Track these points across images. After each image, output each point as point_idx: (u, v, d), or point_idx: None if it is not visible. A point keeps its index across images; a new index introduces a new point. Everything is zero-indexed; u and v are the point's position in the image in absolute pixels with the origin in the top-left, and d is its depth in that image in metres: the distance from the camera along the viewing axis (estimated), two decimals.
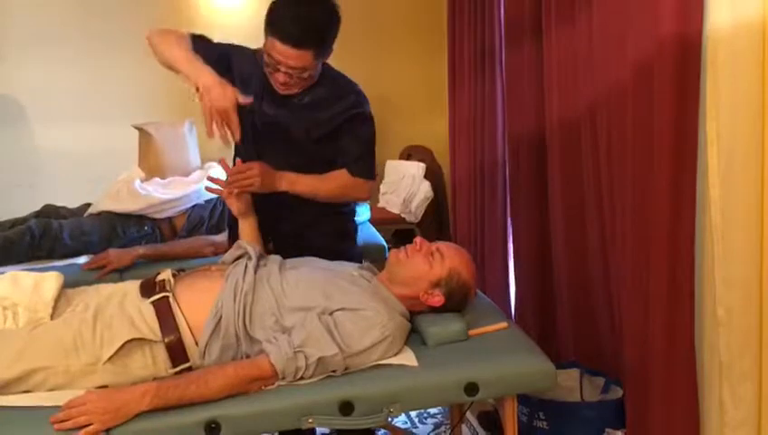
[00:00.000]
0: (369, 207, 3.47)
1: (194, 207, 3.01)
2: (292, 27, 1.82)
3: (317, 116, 2.03)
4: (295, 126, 2.05)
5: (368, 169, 2.11)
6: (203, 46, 1.99)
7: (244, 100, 1.82)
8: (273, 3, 1.88)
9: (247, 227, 2.05)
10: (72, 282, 1.85)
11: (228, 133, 1.84)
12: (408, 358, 1.69)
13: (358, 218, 2.36)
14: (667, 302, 1.82)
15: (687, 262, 1.78)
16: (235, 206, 2.03)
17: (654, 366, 1.89)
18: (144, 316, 1.67)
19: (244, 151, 2.12)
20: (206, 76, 1.81)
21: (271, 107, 2.06)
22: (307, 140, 2.05)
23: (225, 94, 1.79)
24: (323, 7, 1.88)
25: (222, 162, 2.06)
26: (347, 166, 2.07)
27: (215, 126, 1.81)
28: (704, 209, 1.74)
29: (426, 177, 4.07)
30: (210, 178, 2.06)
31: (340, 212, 2.22)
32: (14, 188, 3.83)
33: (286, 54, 1.85)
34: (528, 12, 2.58)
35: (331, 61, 2.14)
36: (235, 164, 2.05)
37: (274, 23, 1.84)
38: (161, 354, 1.65)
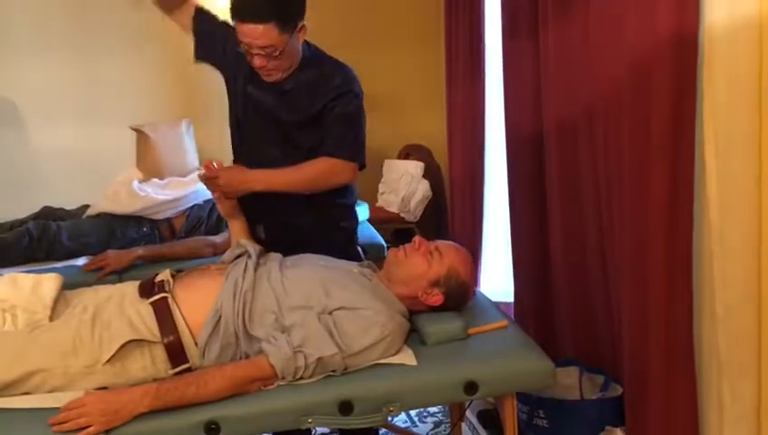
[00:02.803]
0: (367, 206, 3.47)
1: (192, 207, 3.01)
2: (249, 3, 1.86)
3: (302, 100, 2.03)
4: (281, 110, 2.05)
5: (348, 149, 2.03)
6: (206, 19, 2.14)
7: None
8: None
9: (236, 227, 2.08)
10: (70, 283, 1.85)
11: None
12: (407, 357, 1.70)
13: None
14: (666, 299, 1.82)
15: (685, 259, 1.78)
16: (220, 207, 2.08)
17: (653, 363, 1.89)
18: (143, 317, 1.67)
19: (235, 138, 2.19)
20: None
21: (258, 91, 2.07)
22: (292, 124, 2.05)
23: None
24: None
25: (204, 164, 2.03)
26: (326, 147, 2.02)
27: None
28: (701, 207, 1.74)
29: (424, 176, 4.06)
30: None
31: (332, 205, 2.18)
32: (11, 190, 3.82)
33: (251, 33, 1.87)
34: (525, 9, 2.57)
35: None
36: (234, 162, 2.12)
37: (235, 5, 1.89)
38: (160, 355, 1.65)
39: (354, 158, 2.05)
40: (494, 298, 2.25)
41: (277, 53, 1.91)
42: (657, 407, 1.89)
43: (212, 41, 2.13)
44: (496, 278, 3.37)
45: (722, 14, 1.60)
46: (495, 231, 3.37)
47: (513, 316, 2.96)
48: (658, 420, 1.90)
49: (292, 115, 2.04)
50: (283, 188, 2.01)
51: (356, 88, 2.06)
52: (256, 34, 1.87)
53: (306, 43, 2.04)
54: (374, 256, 2.49)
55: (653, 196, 1.81)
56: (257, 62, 1.93)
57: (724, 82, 1.62)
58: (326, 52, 2.13)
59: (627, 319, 1.99)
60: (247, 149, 2.15)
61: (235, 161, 2.19)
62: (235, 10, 1.88)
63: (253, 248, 1.88)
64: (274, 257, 1.89)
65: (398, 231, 4.07)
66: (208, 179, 1.99)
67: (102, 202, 2.98)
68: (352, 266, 1.89)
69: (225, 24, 2.14)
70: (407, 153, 4.31)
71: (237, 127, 2.18)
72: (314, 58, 2.07)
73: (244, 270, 1.78)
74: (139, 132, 3.26)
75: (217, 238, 2.85)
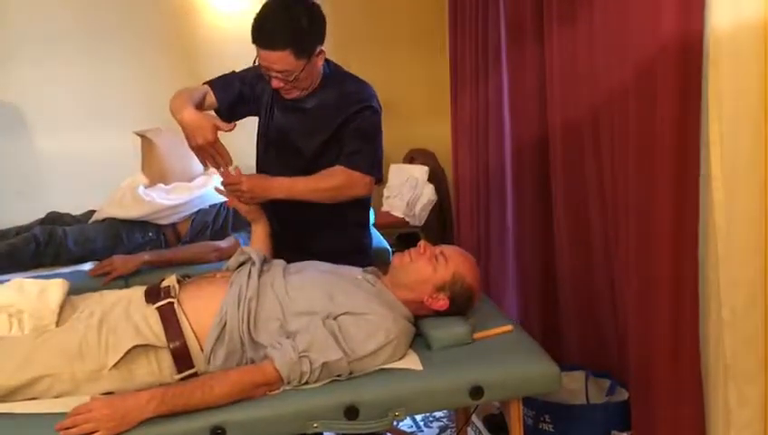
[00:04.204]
0: (373, 210, 3.47)
1: (197, 212, 3.02)
2: (266, 31, 1.89)
3: (324, 117, 2.05)
4: (303, 134, 2.07)
5: (365, 163, 2.05)
6: (221, 84, 2.13)
7: (226, 127, 1.92)
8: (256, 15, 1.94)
9: (259, 231, 2.07)
10: (77, 288, 1.86)
11: (221, 159, 1.94)
12: (412, 362, 1.70)
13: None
14: (672, 303, 1.82)
15: (691, 263, 1.78)
16: (242, 210, 2.06)
17: (659, 368, 1.88)
18: (149, 322, 1.68)
19: (259, 161, 2.20)
20: (185, 114, 1.91)
21: (280, 115, 2.10)
22: (313, 149, 2.07)
23: (201, 128, 1.89)
24: (296, 8, 1.91)
25: (222, 172, 2.02)
26: (345, 159, 2.04)
27: (206, 159, 1.94)
28: (707, 210, 1.74)
29: (429, 180, 4.07)
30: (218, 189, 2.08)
31: (354, 224, 2.23)
32: (18, 196, 3.83)
33: (269, 59, 1.91)
34: (529, 13, 2.58)
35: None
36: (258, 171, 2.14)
37: (253, 31, 1.91)
38: (166, 360, 1.65)
39: (371, 172, 2.07)
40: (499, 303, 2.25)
41: (292, 77, 1.94)
42: (664, 411, 1.89)
43: (234, 106, 2.15)
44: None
45: (726, 18, 1.60)
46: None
47: (518, 321, 2.95)
48: (665, 425, 1.90)
49: (314, 136, 2.06)
50: (302, 196, 2.02)
51: (375, 104, 2.09)
52: (273, 60, 1.90)
53: (326, 60, 2.07)
54: (379, 261, 2.49)
55: (658, 199, 1.80)
56: (274, 83, 1.97)
57: (730, 85, 1.62)
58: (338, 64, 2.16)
59: (633, 323, 1.98)
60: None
61: None
62: (254, 36, 1.91)
63: (256, 255, 1.88)
64: (278, 264, 1.89)
65: (402, 235, 4.07)
66: (228, 186, 1.98)
67: (108, 207, 2.99)
68: (356, 272, 1.89)
69: (234, 76, 2.17)
70: (411, 157, 4.32)
71: (259, 153, 2.22)
72: (334, 75, 2.10)
73: (248, 277, 1.78)
74: (144, 138, 3.26)
75: (223, 243, 2.85)
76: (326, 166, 2.05)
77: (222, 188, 2.04)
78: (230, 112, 2.13)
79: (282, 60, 1.90)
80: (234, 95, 2.13)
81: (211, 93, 2.10)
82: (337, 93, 2.06)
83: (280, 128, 2.12)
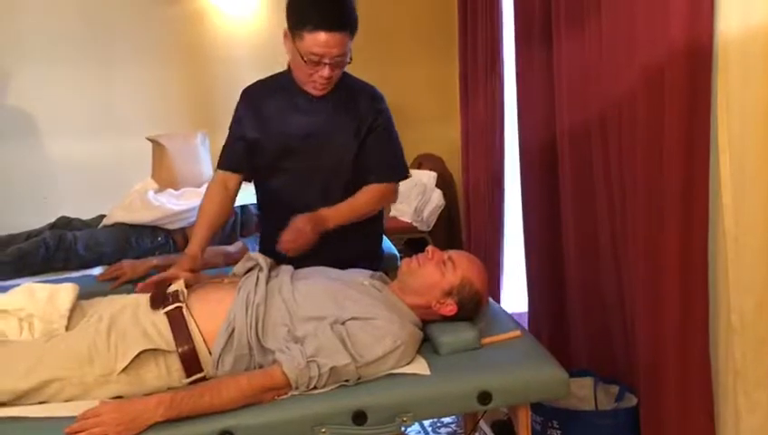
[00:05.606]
0: None
1: None
2: (330, 13, 1.88)
3: (342, 119, 2.06)
4: (328, 133, 2.07)
5: (393, 173, 2.15)
6: (227, 158, 2.19)
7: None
8: (293, 5, 1.92)
9: None
10: (86, 293, 1.87)
11: None
12: (420, 367, 1.70)
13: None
14: (681, 309, 1.81)
15: (700, 268, 1.77)
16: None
17: (668, 373, 1.87)
18: (158, 327, 1.68)
19: (272, 179, 2.17)
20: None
21: (295, 124, 2.08)
22: (353, 150, 2.08)
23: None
24: None
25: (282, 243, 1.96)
26: (374, 177, 2.10)
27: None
28: (716, 215, 1.73)
29: (437, 185, 4.07)
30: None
31: (369, 233, 2.25)
32: (28, 200, 3.86)
33: (331, 42, 1.88)
34: (538, 18, 2.58)
35: None
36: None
37: (310, 17, 1.88)
38: (175, 364, 1.66)
39: (400, 177, 2.18)
40: (511, 308, 2.24)
41: (348, 59, 1.96)
42: (673, 417, 1.88)
43: (249, 158, 2.18)
44: (509, 287, 3.36)
45: (735, 23, 1.60)
46: (508, 240, 3.36)
47: (526, 326, 2.95)
48: (674, 431, 1.89)
49: (353, 133, 2.07)
50: (351, 219, 2.06)
51: (386, 106, 2.13)
52: (335, 42, 1.89)
53: None
54: (387, 266, 2.49)
55: (667, 204, 1.80)
56: (326, 72, 1.94)
57: (738, 91, 1.62)
58: None
59: (642, 328, 1.98)
60: (288, 204, 2.11)
61: (266, 220, 2.29)
62: (313, 20, 1.87)
63: (264, 261, 1.88)
64: (286, 270, 1.89)
65: (410, 241, 4.07)
66: (294, 243, 1.94)
67: (118, 212, 3.00)
68: (363, 278, 1.89)
69: (231, 139, 2.20)
70: (419, 163, 4.32)
71: (274, 193, 2.20)
72: (342, 78, 2.09)
73: (256, 283, 1.79)
74: (155, 143, 3.28)
75: (231, 248, 2.86)
76: (353, 165, 2.08)
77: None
78: (250, 166, 2.17)
79: (343, 42, 1.90)
80: (242, 152, 2.16)
81: (227, 175, 2.17)
82: (352, 91, 2.09)
83: (297, 135, 2.08)
